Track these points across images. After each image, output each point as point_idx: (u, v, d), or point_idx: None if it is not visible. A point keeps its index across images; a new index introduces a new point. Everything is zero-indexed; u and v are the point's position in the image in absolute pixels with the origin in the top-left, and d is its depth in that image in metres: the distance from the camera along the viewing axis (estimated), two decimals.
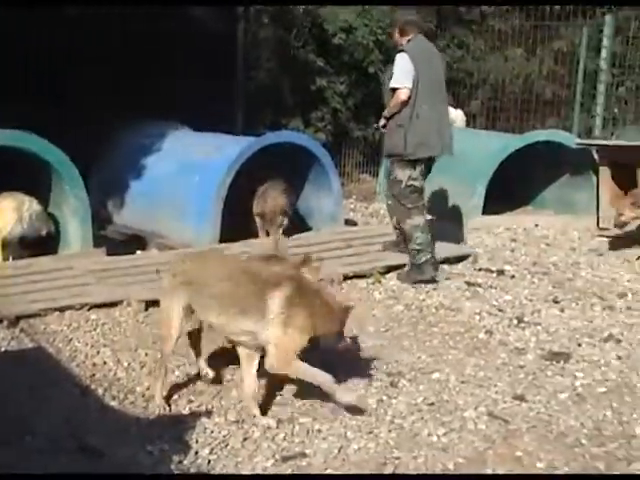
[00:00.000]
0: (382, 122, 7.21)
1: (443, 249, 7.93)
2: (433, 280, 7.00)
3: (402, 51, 7.00)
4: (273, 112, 11.24)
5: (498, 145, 9.61)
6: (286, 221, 8.04)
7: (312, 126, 11.72)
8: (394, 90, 6.95)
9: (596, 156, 9.62)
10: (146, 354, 5.24)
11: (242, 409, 4.53)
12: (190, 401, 4.63)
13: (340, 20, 11.66)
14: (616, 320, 6.27)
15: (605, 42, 11.92)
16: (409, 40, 7.05)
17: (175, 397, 4.66)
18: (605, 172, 9.42)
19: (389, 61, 12.64)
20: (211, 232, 7.75)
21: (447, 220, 9.22)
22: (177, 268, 4.64)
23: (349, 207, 10.26)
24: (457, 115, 11.21)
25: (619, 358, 5.48)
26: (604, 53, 11.95)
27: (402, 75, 6.93)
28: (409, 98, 6.91)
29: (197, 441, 4.19)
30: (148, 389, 4.74)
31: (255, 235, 8.02)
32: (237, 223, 7.81)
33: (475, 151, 9.70)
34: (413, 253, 7.06)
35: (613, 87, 12.54)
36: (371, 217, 9.99)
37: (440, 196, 9.27)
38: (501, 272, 7.47)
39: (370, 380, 4.91)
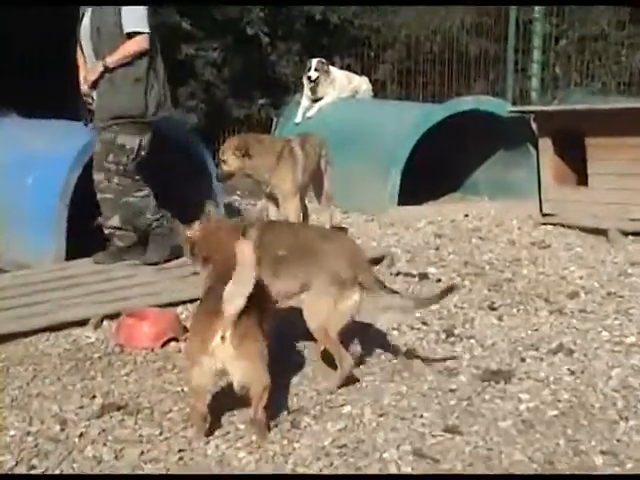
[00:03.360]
0: (95, 76, 7.23)
1: None
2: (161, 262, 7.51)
3: None
4: None
5: (414, 118, 9.73)
6: None
7: (180, 106, 11.68)
8: (130, 36, 7.10)
9: (535, 126, 9.84)
10: None
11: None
12: None
13: None
14: (567, 327, 6.40)
15: None
16: None
17: None
18: (546, 145, 9.65)
19: (275, 20, 12.88)
20: (55, 247, 7.63)
21: (355, 214, 9.29)
22: None
23: (233, 205, 10.24)
24: (361, 82, 11.30)
25: (572, 373, 5.58)
26: None
27: (140, 17, 7.13)
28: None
29: None
30: None
31: None
32: (89, 234, 7.72)
33: (386, 127, 9.82)
34: (143, 228, 7.54)
35: (552, 40, 12.83)
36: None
37: (346, 185, 9.32)
38: (424, 276, 7.56)
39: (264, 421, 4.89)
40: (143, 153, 7.40)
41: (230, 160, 7.64)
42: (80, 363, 5.82)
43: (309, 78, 10.75)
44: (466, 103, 9.89)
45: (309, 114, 10.80)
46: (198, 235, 5.21)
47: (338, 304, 5.22)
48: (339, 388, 5.28)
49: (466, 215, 9.54)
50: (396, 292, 5.57)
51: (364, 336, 6.15)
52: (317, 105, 10.84)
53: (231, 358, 4.52)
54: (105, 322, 6.42)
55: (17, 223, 7.88)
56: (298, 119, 10.84)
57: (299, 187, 7.92)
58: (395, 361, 5.80)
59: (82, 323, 6.41)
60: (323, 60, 10.98)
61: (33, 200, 7.82)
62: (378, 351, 5.95)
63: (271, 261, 5.29)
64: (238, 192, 11.03)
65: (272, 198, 7.92)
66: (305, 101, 10.92)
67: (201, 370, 4.57)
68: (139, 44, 7.12)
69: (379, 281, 5.46)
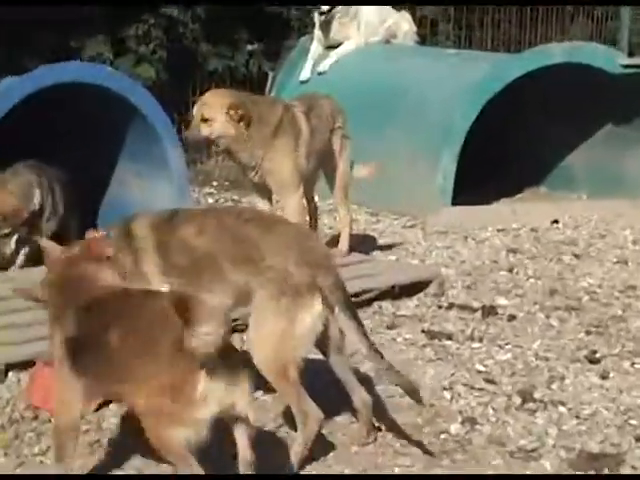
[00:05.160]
0: None
1: (385, 271, 7.98)
2: None
3: None
4: (51, 31, 11.21)
5: (478, 75, 9.73)
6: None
7: (130, 53, 11.74)
8: None
9: None
10: None
11: None
12: None
13: None
14: None
15: None
16: None
17: None
18: None
19: None
20: None
21: (388, 217, 9.30)
22: None
23: (206, 201, 10.28)
24: (400, 21, 11.31)
25: None
26: None
27: None
28: None
29: None
30: None
31: None
32: None
33: (437, 88, 9.83)
34: None
35: None
36: None
37: (378, 174, 9.33)
38: (490, 310, 7.54)
39: None
40: None
41: (219, 120, 7.46)
42: None
43: (319, 11, 10.79)
44: (556, 54, 9.86)
45: (321, 67, 10.82)
46: None
47: (295, 323, 5.04)
48: (301, 468, 5.16)
49: (555, 221, 9.53)
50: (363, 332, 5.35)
51: (392, 397, 6.14)
52: (333, 54, 10.86)
53: None
54: (11, 374, 6.40)
55: None
56: (305, 75, 10.85)
57: (303, 175, 7.87)
58: (445, 436, 5.77)
59: None
60: None
61: None
62: (417, 421, 5.91)
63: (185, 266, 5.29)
64: (214, 182, 11.06)
65: (263, 190, 7.86)
66: (316, 48, 10.95)
67: None
68: None
69: (344, 291, 5.27)
